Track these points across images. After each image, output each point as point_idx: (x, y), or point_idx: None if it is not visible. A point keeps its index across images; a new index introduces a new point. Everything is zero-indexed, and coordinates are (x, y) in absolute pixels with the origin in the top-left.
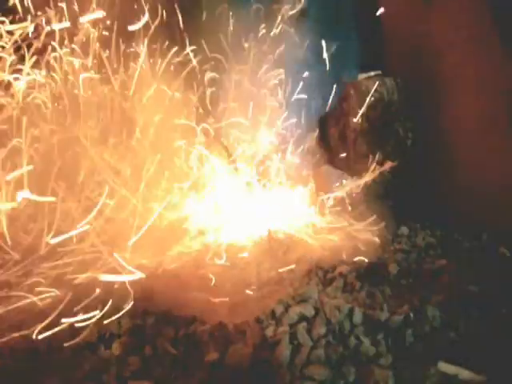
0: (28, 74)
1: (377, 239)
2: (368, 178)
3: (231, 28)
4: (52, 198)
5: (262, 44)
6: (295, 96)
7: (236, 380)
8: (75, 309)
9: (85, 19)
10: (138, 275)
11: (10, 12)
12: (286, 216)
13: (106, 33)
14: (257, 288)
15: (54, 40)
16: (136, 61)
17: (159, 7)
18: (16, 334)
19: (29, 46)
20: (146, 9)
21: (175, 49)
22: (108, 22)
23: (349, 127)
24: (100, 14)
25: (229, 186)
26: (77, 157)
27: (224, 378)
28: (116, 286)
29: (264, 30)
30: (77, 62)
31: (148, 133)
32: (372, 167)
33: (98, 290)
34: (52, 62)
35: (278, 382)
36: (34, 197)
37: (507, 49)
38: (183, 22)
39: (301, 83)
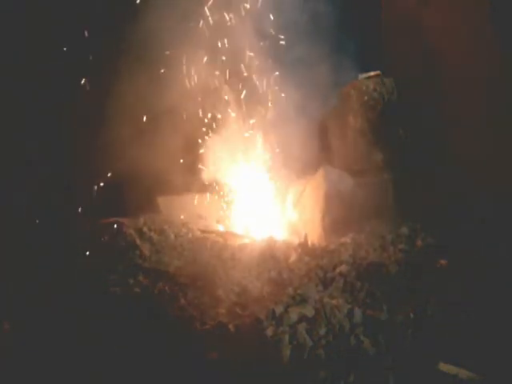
0: None
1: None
2: (368, 178)
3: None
4: None
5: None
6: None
7: (236, 380)
8: None
9: None
10: None
11: None
12: None
13: None
14: None
15: None
16: None
17: None
18: None
19: None
20: None
21: None
22: None
23: (349, 127)
24: None
25: None
26: None
27: (224, 378)
28: None
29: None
30: None
31: None
32: (372, 167)
33: None
34: None
35: (278, 381)
36: None
37: (508, 49)
38: None
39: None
